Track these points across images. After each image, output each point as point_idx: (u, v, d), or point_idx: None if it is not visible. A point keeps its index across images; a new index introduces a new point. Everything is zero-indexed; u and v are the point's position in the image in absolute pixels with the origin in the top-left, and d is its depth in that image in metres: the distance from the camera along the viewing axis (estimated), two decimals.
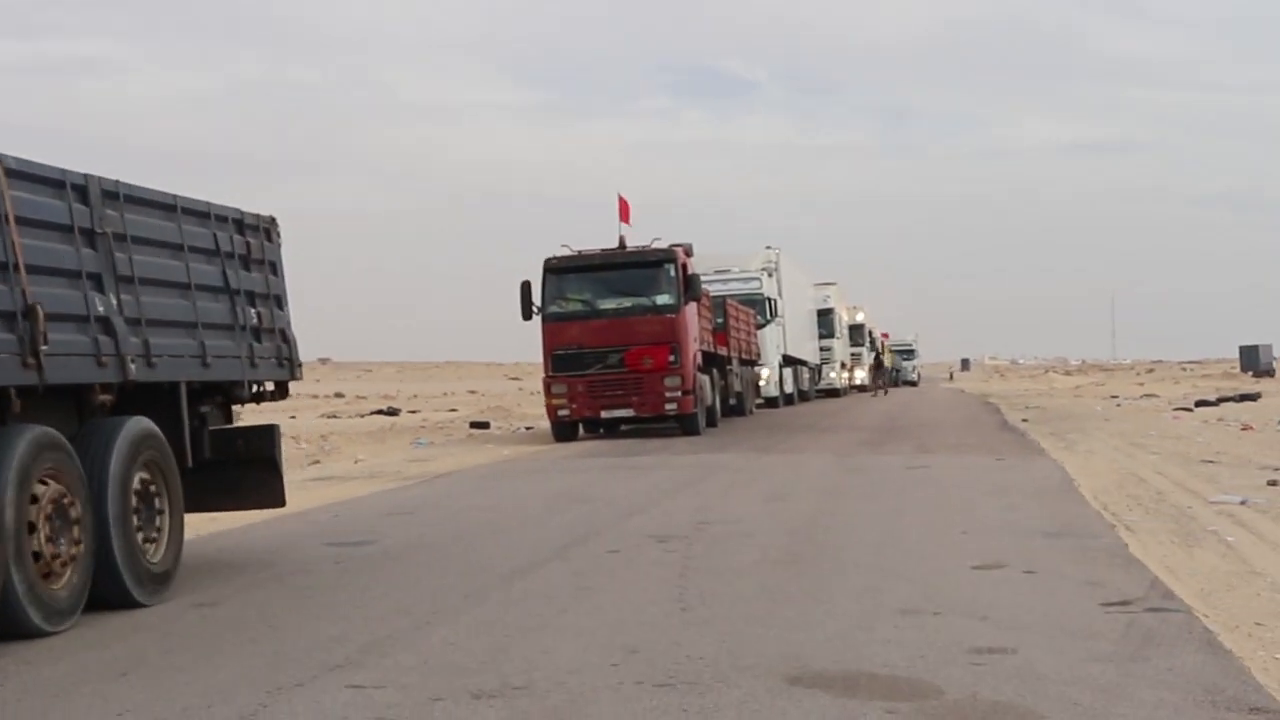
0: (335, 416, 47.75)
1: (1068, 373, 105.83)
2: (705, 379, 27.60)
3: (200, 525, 13.07)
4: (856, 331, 64.32)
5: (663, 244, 26.42)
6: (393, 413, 48.45)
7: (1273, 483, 13.51)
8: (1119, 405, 36.25)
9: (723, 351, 31.62)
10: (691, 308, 26.34)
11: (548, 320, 25.66)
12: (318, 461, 23.52)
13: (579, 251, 26.46)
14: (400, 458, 22.57)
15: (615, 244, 26.63)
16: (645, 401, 25.46)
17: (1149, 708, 5.37)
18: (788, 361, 44.17)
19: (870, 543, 10.16)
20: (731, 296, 36.63)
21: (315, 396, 78.07)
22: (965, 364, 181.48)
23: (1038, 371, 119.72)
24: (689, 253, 26.90)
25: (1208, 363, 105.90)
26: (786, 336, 43.17)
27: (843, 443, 22.56)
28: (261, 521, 13.29)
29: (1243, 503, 12.01)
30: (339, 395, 77.51)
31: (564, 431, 25.94)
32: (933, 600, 7.67)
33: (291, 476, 19.34)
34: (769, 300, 40.86)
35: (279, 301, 10.91)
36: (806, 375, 49.87)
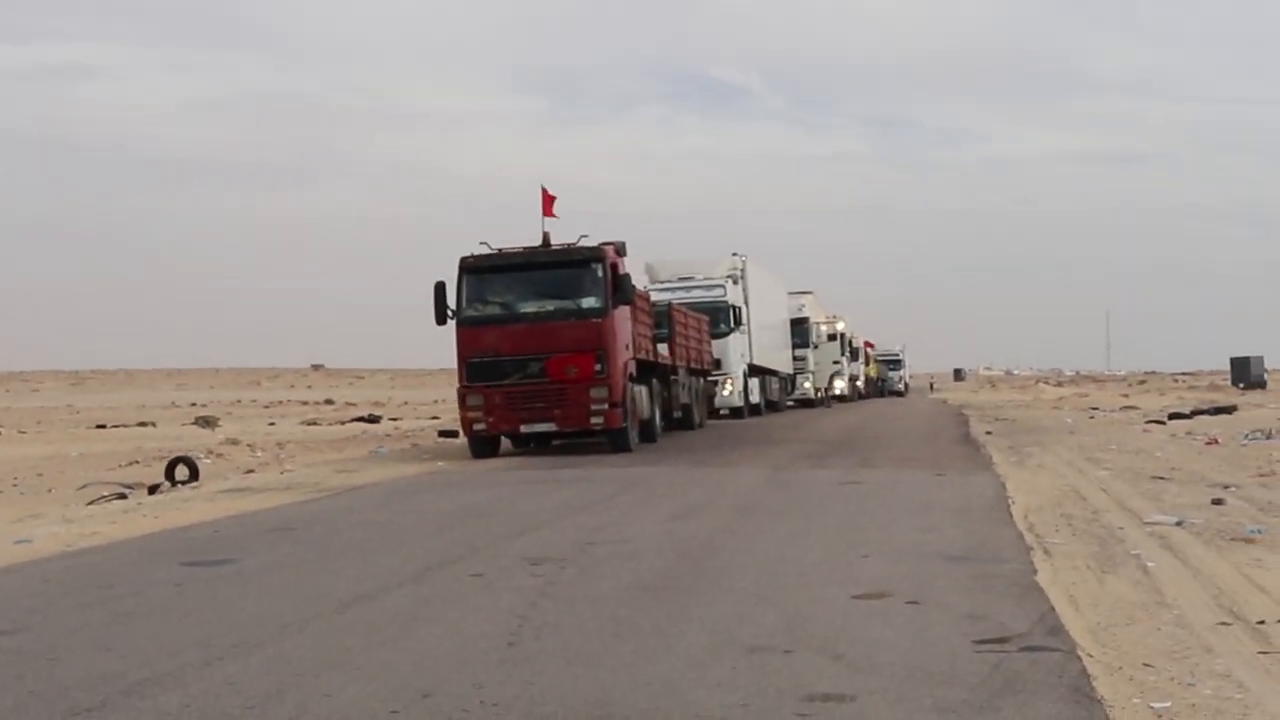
0: (315, 423, 47.15)
1: (1059, 384, 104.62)
2: (642, 389, 25.51)
3: (71, 539, 12.37)
4: (835, 341, 63.23)
5: (590, 241, 24.07)
6: (373, 420, 47.86)
7: (1217, 501, 12.73)
8: (1093, 417, 35.44)
9: (666, 360, 29.55)
10: (622, 312, 24.03)
11: (463, 325, 23.34)
12: (253, 471, 22.71)
13: (498, 249, 24.22)
14: (329, 469, 21.64)
15: (539, 241, 24.38)
16: (569, 414, 23.16)
17: None
18: (755, 371, 43.22)
19: (759, 566, 9.36)
20: (694, 304, 35.88)
21: (305, 403, 77.70)
22: (959, 374, 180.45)
23: (1029, 382, 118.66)
24: (620, 251, 24.54)
25: (1201, 374, 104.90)
26: (753, 345, 42.35)
27: (786, 456, 21.64)
28: (139, 536, 12.59)
29: (1178, 524, 11.21)
30: (329, 402, 76.92)
31: (482, 447, 23.62)
32: (793, 634, 6.92)
33: (213, 486, 18.87)
34: (733, 308, 39.82)
35: None
36: (776, 385, 48.93)
